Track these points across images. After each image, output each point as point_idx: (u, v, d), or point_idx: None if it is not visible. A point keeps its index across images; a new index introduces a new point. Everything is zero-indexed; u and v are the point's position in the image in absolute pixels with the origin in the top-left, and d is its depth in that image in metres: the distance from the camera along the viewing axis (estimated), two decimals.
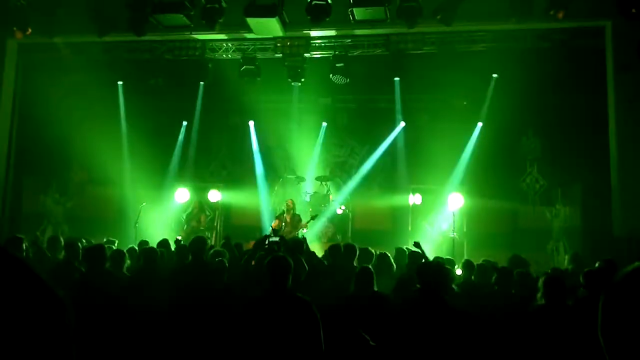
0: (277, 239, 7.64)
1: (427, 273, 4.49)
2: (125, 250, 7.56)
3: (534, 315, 4.85)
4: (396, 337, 4.27)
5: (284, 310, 4.29)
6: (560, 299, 4.77)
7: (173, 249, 8.22)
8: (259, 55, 13.06)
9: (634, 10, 9.08)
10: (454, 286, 6.34)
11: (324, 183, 14.39)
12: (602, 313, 1.22)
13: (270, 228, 9.68)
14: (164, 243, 8.53)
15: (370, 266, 6.10)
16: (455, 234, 12.06)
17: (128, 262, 7.14)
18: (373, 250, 7.65)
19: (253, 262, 6.79)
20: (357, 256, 7.16)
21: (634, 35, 10.21)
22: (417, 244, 7.48)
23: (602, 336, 1.20)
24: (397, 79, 13.73)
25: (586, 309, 4.89)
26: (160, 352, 5.49)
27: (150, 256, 6.73)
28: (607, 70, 11.01)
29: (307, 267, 6.45)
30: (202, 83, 14.21)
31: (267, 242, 7.40)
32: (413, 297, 4.51)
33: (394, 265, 7.34)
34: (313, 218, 12.17)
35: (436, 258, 8.23)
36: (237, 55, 13.19)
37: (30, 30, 11.73)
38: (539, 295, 4.94)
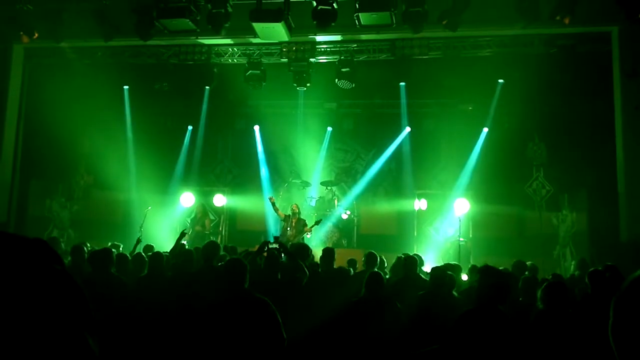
0: (276, 245, 7.63)
1: (491, 282, 4.25)
2: (128, 254, 7.58)
3: (533, 321, 4.81)
4: (454, 350, 4.20)
5: (244, 310, 4.40)
6: (560, 305, 4.72)
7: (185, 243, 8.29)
8: (265, 60, 13.06)
9: None
10: (454, 292, 6.30)
11: (329, 188, 14.38)
12: (613, 315, 1.23)
13: (275, 237, 9.70)
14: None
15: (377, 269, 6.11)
16: (462, 239, 12.03)
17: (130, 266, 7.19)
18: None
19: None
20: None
21: None
22: None
23: (613, 338, 1.21)
24: (402, 84, 13.75)
25: (587, 314, 4.86)
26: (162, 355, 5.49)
27: (156, 261, 6.72)
28: (613, 76, 10.97)
29: (307, 272, 6.43)
30: (207, 87, 14.25)
31: (266, 249, 7.38)
32: (469, 309, 4.39)
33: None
34: (317, 223, 12.15)
35: (446, 265, 8.19)
36: (243, 60, 13.20)
37: (36, 34, 11.78)
38: (538, 301, 4.91)
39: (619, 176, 10.77)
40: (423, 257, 8.87)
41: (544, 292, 4.81)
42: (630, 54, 10.56)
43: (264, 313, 4.43)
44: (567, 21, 9.89)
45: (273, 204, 12.46)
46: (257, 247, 8.80)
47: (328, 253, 7.67)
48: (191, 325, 4.65)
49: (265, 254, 7.20)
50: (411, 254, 8.58)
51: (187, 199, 14.15)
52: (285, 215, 12.36)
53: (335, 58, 12.68)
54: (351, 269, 8.20)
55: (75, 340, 0.96)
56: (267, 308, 4.46)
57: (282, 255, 7.20)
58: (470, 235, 13.28)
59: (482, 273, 4.40)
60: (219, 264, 6.83)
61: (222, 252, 7.55)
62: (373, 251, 7.75)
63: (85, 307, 1.03)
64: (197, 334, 4.51)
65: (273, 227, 13.89)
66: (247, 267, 4.66)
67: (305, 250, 7.66)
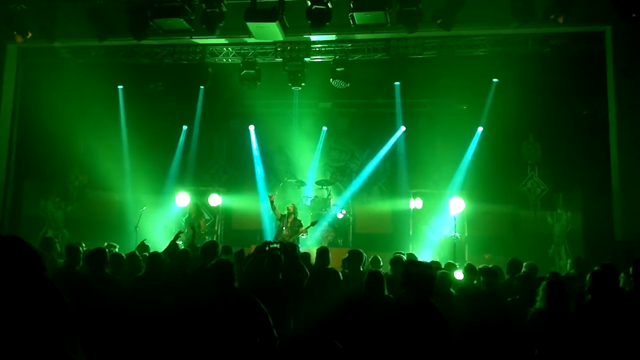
0: (277, 245, 7.62)
1: (412, 275, 4.44)
2: (124, 255, 7.56)
3: (533, 320, 4.82)
4: (382, 339, 4.31)
5: (232, 309, 4.45)
6: (561, 304, 4.74)
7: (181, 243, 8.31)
8: (259, 60, 13.05)
9: (634, 15, 9.08)
10: (451, 290, 6.31)
11: (324, 187, 14.39)
12: None
13: (271, 240, 9.68)
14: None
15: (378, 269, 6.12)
16: (457, 233, 12.06)
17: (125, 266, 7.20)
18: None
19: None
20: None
21: (634, 40, 10.23)
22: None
23: None
24: (397, 83, 13.77)
25: (590, 313, 4.87)
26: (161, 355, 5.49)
27: (154, 261, 6.71)
28: (607, 75, 11.00)
29: (308, 272, 6.43)
30: (202, 87, 14.21)
31: (267, 248, 7.36)
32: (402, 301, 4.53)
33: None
34: (313, 224, 12.16)
35: (433, 262, 8.24)
36: (238, 60, 13.19)
37: (30, 34, 11.72)
38: (538, 298, 4.92)
39: (613, 175, 10.79)
40: (418, 256, 8.91)
41: (545, 290, 4.82)
42: (624, 53, 10.60)
43: (252, 312, 4.46)
44: (561, 20, 9.90)
45: (271, 203, 12.44)
46: (253, 247, 8.81)
47: (322, 252, 7.66)
48: (181, 325, 4.65)
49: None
50: (405, 253, 8.61)
51: (182, 199, 14.11)
52: (282, 215, 12.37)
53: (330, 58, 12.68)
54: (340, 273, 8.19)
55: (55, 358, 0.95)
56: (257, 307, 4.48)
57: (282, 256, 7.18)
58: (466, 234, 13.30)
59: (405, 265, 4.55)
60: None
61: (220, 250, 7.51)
62: (359, 250, 7.67)
63: (66, 318, 1.00)
64: (187, 334, 4.51)
65: (269, 227, 13.89)
66: (235, 267, 4.71)
67: (294, 249, 7.66)
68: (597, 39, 11.24)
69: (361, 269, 7.08)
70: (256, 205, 14.68)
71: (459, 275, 7.55)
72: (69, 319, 1.00)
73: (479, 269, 6.90)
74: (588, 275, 5.23)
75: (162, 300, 5.82)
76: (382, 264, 8.26)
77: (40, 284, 0.97)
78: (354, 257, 7.26)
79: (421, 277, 4.33)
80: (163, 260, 7.08)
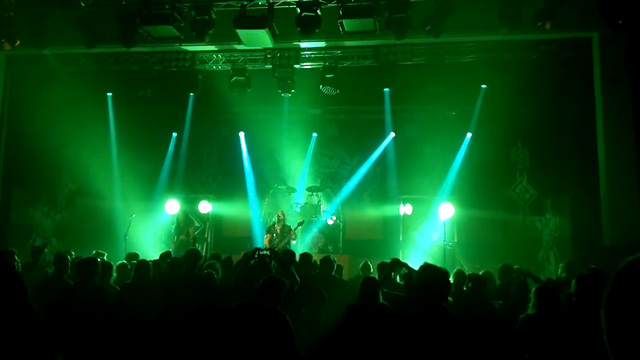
0: (267, 252, 7.60)
1: (429, 281, 4.45)
2: (114, 265, 7.53)
3: (524, 325, 4.83)
4: (400, 348, 4.27)
5: (262, 321, 4.42)
6: (552, 309, 4.76)
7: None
8: (249, 67, 13.06)
9: (620, 22, 9.15)
10: (449, 298, 6.33)
11: (314, 194, 14.39)
12: (605, 317, 1.19)
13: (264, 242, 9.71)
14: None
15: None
16: (450, 243, 12.10)
17: (115, 274, 7.17)
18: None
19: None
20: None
21: (621, 47, 10.31)
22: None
23: (610, 345, 1.17)
24: (386, 89, 13.82)
25: (577, 317, 4.90)
26: None
27: (142, 269, 6.68)
28: (595, 82, 11.08)
29: (299, 279, 6.42)
30: (192, 94, 14.21)
31: (257, 255, 7.34)
32: (417, 308, 4.47)
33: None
34: (300, 224, 12.15)
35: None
36: (227, 67, 13.19)
37: (18, 42, 11.65)
38: (530, 304, 4.94)
39: (601, 181, 10.86)
40: (408, 262, 8.91)
41: (537, 296, 4.84)
42: (612, 60, 10.68)
43: (280, 325, 4.42)
44: (548, 27, 9.97)
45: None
46: (242, 254, 8.78)
47: (304, 258, 7.83)
48: (190, 334, 4.62)
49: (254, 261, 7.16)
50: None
51: (172, 206, 14.05)
52: (269, 226, 12.38)
53: (320, 64, 12.72)
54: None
55: None
56: (284, 320, 4.44)
57: (273, 262, 7.17)
58: (455, 240, 13.34)
59: (422, 271, 4.57)
60: (206, 271, 6.84)
61: (208, 260, 7.51)
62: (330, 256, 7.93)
63: (47, 348, 0.99)
64: (196, 342, 4.49)
65: (259, 234, 13.87)
66: (286, 287, 4.72)
67: (291, 256, 7.66)
68: (586, 45, 11.32)
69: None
70: (246, 213, 14.65)
71: None
72: (50, 348, 0.99)
73: (469, 275, 6.93)
74: (573, 280, 5.26)
75: (150, 308, 5.80)
76: (372, 270, 8.28)
77: (21, 312, 0.96)
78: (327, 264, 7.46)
79: (437, 281, 4.36)
80: (154, 267, 7.07)
